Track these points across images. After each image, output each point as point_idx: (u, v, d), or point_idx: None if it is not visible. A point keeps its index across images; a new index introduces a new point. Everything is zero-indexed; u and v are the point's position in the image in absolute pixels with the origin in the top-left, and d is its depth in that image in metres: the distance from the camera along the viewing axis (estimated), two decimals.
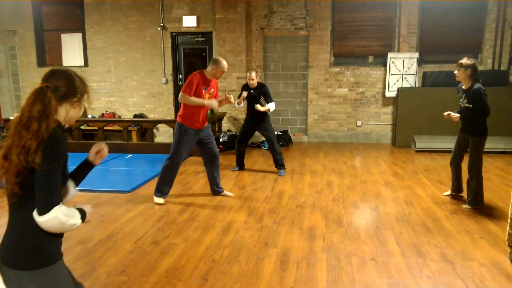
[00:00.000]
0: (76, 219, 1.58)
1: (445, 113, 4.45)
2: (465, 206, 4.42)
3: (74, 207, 1.63)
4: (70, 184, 1.74)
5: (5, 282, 1.55)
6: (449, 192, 4.85)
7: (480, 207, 4.38)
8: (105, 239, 3.65)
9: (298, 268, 3.08)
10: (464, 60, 4.22)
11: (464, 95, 4.33)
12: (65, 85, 1.62)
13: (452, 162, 4.69)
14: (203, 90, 4.51)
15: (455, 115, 4.37)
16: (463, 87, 4.36)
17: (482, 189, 4.39)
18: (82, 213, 1.65)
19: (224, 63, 4.57)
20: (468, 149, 4.41)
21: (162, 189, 4.64)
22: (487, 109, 4.17)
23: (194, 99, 4.42)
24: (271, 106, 5.81)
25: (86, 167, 1.87)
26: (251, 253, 3.34)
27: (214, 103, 4.55)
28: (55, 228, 1.51)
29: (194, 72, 4.58)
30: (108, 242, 3.59)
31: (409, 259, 3.20)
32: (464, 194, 4.64)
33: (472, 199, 4.38)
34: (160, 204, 4.60)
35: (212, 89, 4.65)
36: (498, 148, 7.24)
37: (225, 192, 4.95)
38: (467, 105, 4.27)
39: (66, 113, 1.65)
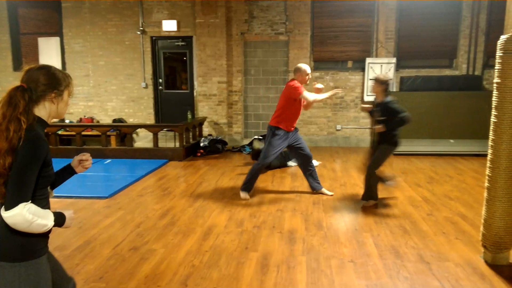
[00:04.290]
0: (47, 220, 1.58)
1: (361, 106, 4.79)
2: (363, 204, 4.64)
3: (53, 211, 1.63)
4: None
5: None
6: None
7: (376, 202, 4.60)
8: (83, 246, 3.59)
9: (278, 271, 3.09)
10: (381, 76, 4.48)
11: (378, 108, 4.50)
12: (43, 81, 1.62)
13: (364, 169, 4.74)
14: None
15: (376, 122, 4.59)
16: (376, 101, 4.56)
17: (377, 187, 4.56)
18: (61, 217, 1.65)
19: (304, 67, 4.84)
20: (375, 155, 4.54)
21: (249, 187, 5.02)
22: (406, 115, 4.31)
23: (318, 96, 4.82)
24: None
25: (66, 171, 1.88)
26: (231, 258, 3.33)
27: (330, 94, 4.88)
28: (20, 225, 1.50)
29: (290, 81, 4.86)
30: (86, 249, 3.53)
31: (387, 261, 3.25)
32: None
33: (365, 195, 4.63)
34: (246, 199, 4.91)
35: None
36: (472, 151, 7.43)
37: (324, 190, 5.08)
38: (380, 118, 4.45)
39: (48, 110, 1.66)
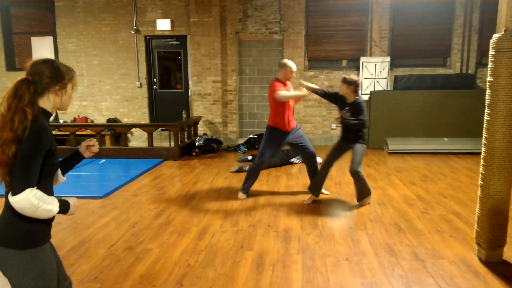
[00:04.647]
0: (53, 206, 1.64)
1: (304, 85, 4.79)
2: (360, 204, 4.65)
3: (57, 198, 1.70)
4: (58, 171, 1.83)
5: None
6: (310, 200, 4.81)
7: (369, 199, 4.65)
8: (78, 246, 3.58)
9: (273, 270, 3.10)
10: (349, 76, 4.50)
11: (347, 108, 4.54)
12: (47, 74, 1.67)
13: (325, 166, 4.73)
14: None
15: (310, 86, 4.79)
16: (347, 101, 4.55)
17: (365, 181, 4.57)
18: (65, 204, 1.73)
19: (290, 63, 4.80)
20: (352, 156, 4.53)
21: (247, 188, 5.03)
22: (365, 120, 4.47)
23: (287, 93, 4.73)
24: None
25: (75, 157, 1.98)
26: (226, 257, 3.33)
27: (301, 93, 4.76)
28: (27, 210, 1.56)
29: (272, 81, 4.84)
30: (80, 249, 3.51)
31: (382, 259, 3.27)
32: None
33: (359, 196, 4.63)
34: (242, 199, 4.93)
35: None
36: (466, 149, 7.48)
37: (323, 190, 4.99)
38: (350, 118, 4.51)
39: (52, 103, 1.72)
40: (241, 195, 4.98)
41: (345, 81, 4.47)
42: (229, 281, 2.94)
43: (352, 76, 4.51)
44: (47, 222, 1.73)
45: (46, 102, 1.70)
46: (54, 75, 1.69)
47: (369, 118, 8.31)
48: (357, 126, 4.48)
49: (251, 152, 7.92)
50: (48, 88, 1.68)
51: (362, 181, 4.54)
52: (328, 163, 4.71)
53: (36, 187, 1.59)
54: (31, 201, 1.54)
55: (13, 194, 1.54)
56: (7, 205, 1.64)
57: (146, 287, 2.86)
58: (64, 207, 1.73)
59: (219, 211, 4.48)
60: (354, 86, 4.43)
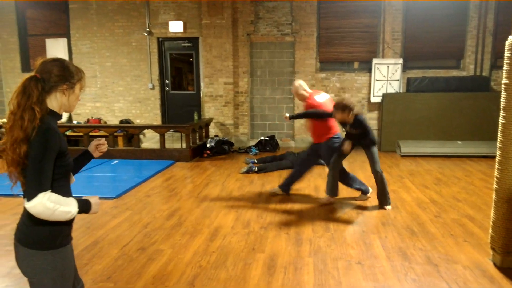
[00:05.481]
0: (70, 207, 1.63)
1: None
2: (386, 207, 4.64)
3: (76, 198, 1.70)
4: None
5: (18, 257, 1.67)
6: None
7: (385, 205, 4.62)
8: (91, 246, 3.61)
9: (285, 272, 3.09)
10: (340, 102, 4.42)
11: (349, 126, 4.57)
12: (56, 72, 1.66)
13: (336, 166, 4.79)
14: None
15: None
16: (347, 121, 4.54)
17: (385, 189, 4.59)
18: (85, 204, 1.72)
19: (294, 84, 5.11)
20: (369, 158, 4.63)
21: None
22: (370, 130, 4.61)
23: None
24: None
25: (85, 157, 1.97)
26: (238, 258, 3.34)
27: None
28: (43, 214, 1.55)
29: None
30: (94, 249, 3.55)
31: (395, 262, 3.24)
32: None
33: (379, 201, 4.66)
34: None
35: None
36: (480, 153, 7.38)
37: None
38: (355, 131, 4.56)
39: (59, 102, 1.70)
40: (277, 189, 5.16)
41: (338, 107, 4.39)
42: (241, 282, 2.95)
43: (343, 100, 4.42)
44: (67, 224, 1.72)
45: (54, 101, 1.68)
46: (63, 73, 1.67)
47: (381, 121, 8.27)
48: (363, 136, 4.54)
49: (262, 154, 7.92)
50: (56, 87, 1.66)
51: (381, 184, 4.55)
52: (338, 163, 4.72)
53: (49, 190, 1.57)
54: (46, 205, 1.53)
55: (28, 200, 1.53)
56: (25, 208, 1.63)
57: (158, 287, 2.88)
58: (85, 207, 1.72)
59: (231, 213, 4.49)
60: (348, 110, 4.35)
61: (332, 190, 4.75)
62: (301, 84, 5.06)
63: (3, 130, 7.92)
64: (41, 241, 1.63)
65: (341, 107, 4.36)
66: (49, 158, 1.57)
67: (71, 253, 1.77)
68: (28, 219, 1.64)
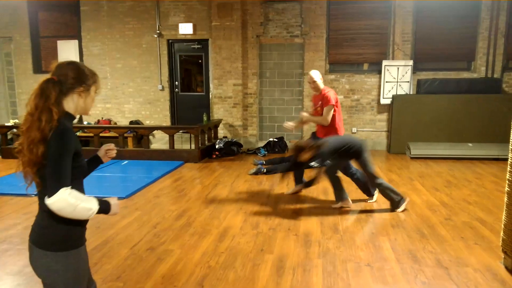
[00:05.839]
0: (91, 204, 1.64)
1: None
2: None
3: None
4: None
5: (32, 258, 1.69)
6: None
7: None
8: (101, 245, 3.64)
9: (294, 274, 3.09)
10: (299, 144, 4.41)
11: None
12: (72, 75, 1.69)
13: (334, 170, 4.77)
14: (317, 107, 5.12)
15: None
16: None
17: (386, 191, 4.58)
18: (105, 204, 1.73)
19: (310, 73, 5.06)
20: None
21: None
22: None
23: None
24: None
25: (94, 161, 2.00)
26: (247, 259, 3.34)
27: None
28: (65, 210, 1.56)
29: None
30: (103, 248, 3.58)
31: (404, 265, 3.22)
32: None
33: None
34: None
35: (320, 102, 5.04)
36: (491, 155, 7.30)
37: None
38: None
39: (75, 104, 1.72)
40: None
41: (298, 150, 4.36)
42: (249, 283, 2.95)
43: (298, 143, 4.44)
44: (82, 225, 1.74)
45: (70, 103, 1.70)
46: (78, 76, 1.70)
47: (391, 123, 8.22)
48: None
49: (271, 156, 7.92)
50: (73, 89, 1.69)
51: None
52: (333, 168, 4.73)
53: (70, 187, 1.59)
54: (68, 200, 1.54)
55: (49, 196, 1.54)
56: (42, 208, 1.65)
57: (167, 287, 2.90)
58: (105, 206, 1.72)
59: (239, 214, 4.49)
60: (309, 148, 4.29)
61: (337, 196, 4.72)
62: (318, 73, 5.08)
63: (14, 130, 8.06)
64: (55, 242, 1.65)
65: (300, 149, 4.32)
66: (68, 157, 1.59)
67: (84, 254, 1.78)
68: (42, 220, 1.66)
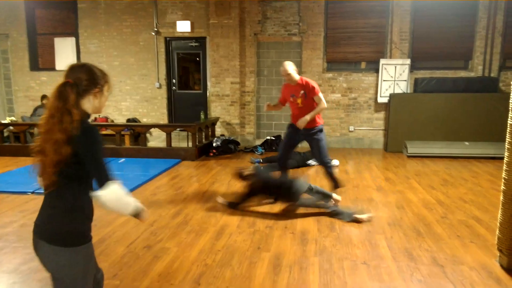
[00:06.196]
0: (131, 200, 1.79)
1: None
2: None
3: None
4: None
5: (41, 254, 1.74)
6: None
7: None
8: (98, 243, 3.64)
9: (290, 272, 3.09)
10: (243, 173, 4.56)
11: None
12: (85, 77, 1.74)
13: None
14: (290, 98, 4.96)
15: None
16: None
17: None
18: (139, 206, 1.86)
19: (284, 64, 4.86)
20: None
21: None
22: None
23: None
24: None
25: None
26: (243, 257, 3.34)
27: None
28: (112, 201, 1.69)
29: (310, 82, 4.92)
30: (100, 246, 3.57)
31: (400, 263, 3.23)
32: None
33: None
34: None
35: (302, 92, 4.83)
36: (488, 154, 7.33)
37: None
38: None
39: (91, 104, 1.79)
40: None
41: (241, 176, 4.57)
42: (246, 281, 2.95)
43: (239, 171, 4.58)
44: (89, 221, 1.82)
45: (87, 103, 1.76)
46: (91, 78, 1.76)
47: (388, 121, 8.24)
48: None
49: (268, 154, 7.93)
50: (88, 90, 1.75)
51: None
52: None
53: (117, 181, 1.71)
54: (118, 192, 1.69)
55: (101, 188, 1.66)
56: (52, 204, 1.72)
57: (164, 285, 2.89)
58: (138, 209, 1.84)
59: (236, 212, 4.49)
60: (243, 177, 4.48)
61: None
62: (291, 63, 4.87)
63: (11, 128, 8.03)
64: (66, 238, 1.71)
65: (239, 176, 4.55)
66: (103, 152, 1.70)
67: (92, 249, 1.85)
68: (52, 216, 1.72)
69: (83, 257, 1.77)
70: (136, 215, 1.85)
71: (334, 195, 4.75)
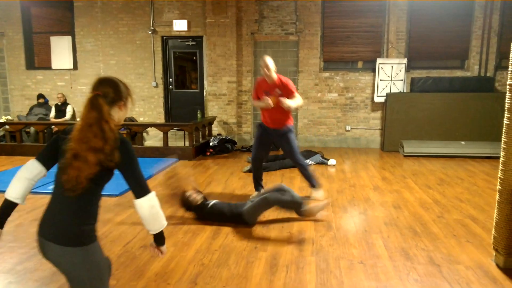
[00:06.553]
0: (162, 213, 1.89)
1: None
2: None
3: None
4: None
5: (52, 256, 1.77)
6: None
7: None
8: None
9: (287, 271, 3.10)
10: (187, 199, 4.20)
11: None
12: (112, 91, 1.83)
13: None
14: (264, 95, 4.67)
15: None
16: None
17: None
18: (163, 235, 1.97)
19: (265, 59, 4.56)
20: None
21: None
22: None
23: (254, 102, 4.97)
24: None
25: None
26: (240, 257, 3.34)
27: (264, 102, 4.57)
28: (146, 209, 1.81)
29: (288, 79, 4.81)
30: None
31: (397, 262, 3.24)
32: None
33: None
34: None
35: (277, 91, 4.61)
36: (484, 153, 7.36)
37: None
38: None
39: (117, 116, 1.89)
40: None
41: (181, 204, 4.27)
42: (243, 281, 2.95)
43: (183, 196, 4.24)
44: (96, 222, 1.86)
45: (115, 115, 1.85)
46: (117, 91, 1.85)
47: (385, 121, 8.26)
48: None
49: None
50: (115, 103, 1.84)
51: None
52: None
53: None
54: (154, 201, 1.82)
55: (141, 196, 1.79)
56: (71, 207, 1.76)
57: (160, 285, 2.89)
58: (163, 235, 1.95)
59: None
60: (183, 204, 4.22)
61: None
62: (272, 60, 4.61)
63: (7, 127, 7.98)
64: (77, 238, 1.75)
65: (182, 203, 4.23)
66: (138, 162, 1.83)
67: (99, 246, 1.90)
68: (63, 217, 1.76)
69: (93, 254, 1.81)
70: (158, 239, 1.93)
71: (314, 194, 4.83)
